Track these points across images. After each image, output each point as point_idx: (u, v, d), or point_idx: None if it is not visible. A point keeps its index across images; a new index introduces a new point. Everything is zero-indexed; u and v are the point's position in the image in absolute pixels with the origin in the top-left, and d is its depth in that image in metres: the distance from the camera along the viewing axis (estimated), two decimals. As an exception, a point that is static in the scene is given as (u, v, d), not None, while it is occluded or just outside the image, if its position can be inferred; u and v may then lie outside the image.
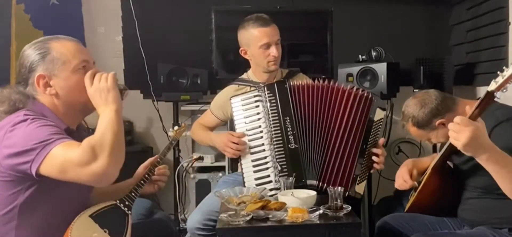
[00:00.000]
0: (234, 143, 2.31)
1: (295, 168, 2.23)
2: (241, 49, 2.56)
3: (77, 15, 3.68)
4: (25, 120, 1.55)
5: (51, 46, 1.67)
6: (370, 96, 2.33)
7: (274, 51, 2.46)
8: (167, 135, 3.48)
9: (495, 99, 1.63)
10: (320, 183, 2.25)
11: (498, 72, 1.57)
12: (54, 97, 1.68)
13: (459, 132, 1.60)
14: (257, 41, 2.46)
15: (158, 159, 2.04)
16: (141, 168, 2.05)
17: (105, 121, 1.58)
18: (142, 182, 1.96)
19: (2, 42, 3.25)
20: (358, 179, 2.28)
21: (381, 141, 2.34)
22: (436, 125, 2.06)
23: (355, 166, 2.27)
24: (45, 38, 1.72)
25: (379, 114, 2.34)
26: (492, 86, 1.58)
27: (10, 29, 3.29)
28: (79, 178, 1.49)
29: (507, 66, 1.57)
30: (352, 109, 2.28)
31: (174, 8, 3.66)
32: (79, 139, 1.74)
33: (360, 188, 2.30)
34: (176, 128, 2.25)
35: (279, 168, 2.23)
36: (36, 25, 3.42)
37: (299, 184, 2.18)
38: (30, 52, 1.67)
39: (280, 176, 2.19)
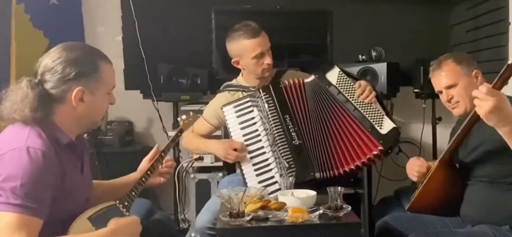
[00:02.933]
0: (235, 149, 2.32)
1: (302, 164, 2.23)
2: (233, 60, 2.53)
3: (77, 15, 3.69)
4: (28, 151, 1.50)
5: (100, 65, 1.67)
6: (313, 78, 2.37)
7: (268, 59, 2.45)
8: (167, 135, 3.52)
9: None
10: (324, 173, 2.23)
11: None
12: (78, 111, 1.65)
13: (484, 99, 1.62)
14: (250, 52, 2.44)
15: (162, 153, 2.04)
16: (145, 162, 2.05)
17: None
18: (147, 174, 1.97)
19: (2, 42, 3.25)
20: (376, 126, 2.21)
21: (356, 85, 2.31)
22: (473, 73, 2.07)
23: (362, 125, 2.23)
24: (90, 51, 1.70)
25: (334, 73, 2.35)
26: None
27: (10, 29, 3.29)
28: None
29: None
30: (315, 96, 2.33)
31: (174, 8, 3.66)
32: (80, 148, 1.75)
33: (387, 125, 2.21)
34: (184, 117, 2.24)
35: (287, 165, 2.23)
36: (36, 25, 3.42)
37: (308, 179, 2.20)
38: (75, 61, 1.62)
39: (288, 173, 2.19)
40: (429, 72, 2.20)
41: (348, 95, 2.30)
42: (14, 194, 1.46)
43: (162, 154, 2.04)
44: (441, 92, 2.13)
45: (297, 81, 2.39)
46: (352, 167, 2.23)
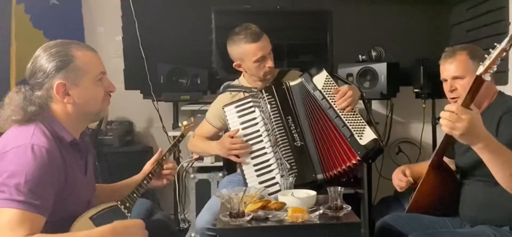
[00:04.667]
0: (236, 144, 2.32)
1: (303, 165, 2.24)
2: (234, 63, 2.51)
3: (77, 15, 3.69)
4: (32, 149, 1.52)
5: (73, 54, 1.65)
6: (300, 80, 2.38)
7: (269, 63, 2.44)
8: (167, 135, 3.52)
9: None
10: (327, 174, 2.25)
11: (485, 55, 1.62)
12: (69, 106, 1.66)
13: (457, 120, 1.62)
14: (251, 56, 2.41)
15: (163, 157, 2.05)
16: (148, 165, 2.06)
17: None
18: (148, 177, 1.97)
19: (2, 42, 3.25)
20: (356, 135, 2.22)
21: (335, 90, 2.31)
22: None
23: (340, 134, 2.24)
24: (63, 43, 1.69)
25: (321, 78, 2.36)
26: (480, 70, 1.62)
27: (10, 29, 3.29)
28: None
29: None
30: (303, 98, 2.34)
31: (174, 8, 3.66)
32: (84, 149, 1.75)
33: (367, 136, 2.21)
34: (185, 122, 2.24)
35: (288, 166, 2.24)
36: (36, 25, 3.42)
37: (309, 180, 2.21)
38: (50, 57, 1.63)
39: (289, 175, 2.19)
40: (441, 58, 2.15)
41: (332, 101, 2.30)
42: (18, 191, 1.47)
43: (163, 157, 2.05)
44: (445, 80, 2.11)
45: (287, 84, 2.39)
46: (335, 172, 2.24)
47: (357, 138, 2.20)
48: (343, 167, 2.21)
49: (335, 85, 2.34)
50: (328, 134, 2.28)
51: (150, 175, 1.99)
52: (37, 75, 1.64)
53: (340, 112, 2.27)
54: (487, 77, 1.62)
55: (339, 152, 2.24)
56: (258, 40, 2.40)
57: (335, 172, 2.23)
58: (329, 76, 2.36)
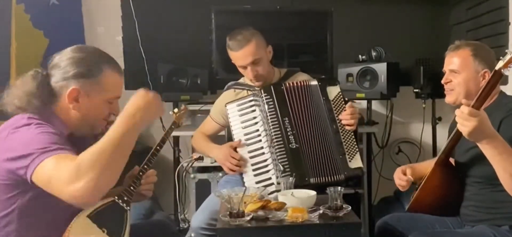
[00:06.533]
0: (234, 158, 2.34)
1: (297, 167, 2.25)
2: (232, 60, 2.56)
3: (77, 15, 3.68)
4: (28, 124, 1.55)
5: (104, 70, 1.67)
6: (314, 83, 2.39)
7: (249, 73, 2.45)
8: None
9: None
10: (318, 179, 2.28)
11: (506, 50, 1.64)
12: (73, 111, 1.67)
13: (467, 120, 1.69)
14: (235, 62, 2.49)
15: (158, 147, 2.04)
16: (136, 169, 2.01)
17: (112, 135, 1.51)
18: (144, 168, 1.95)
19: (2, 42, 3.24)
20: (347, 156, 2.30)
21: (348, 105, 2.36)
22: (482, 72, 2.04)
23: (334, 149, 2.30)
24: (98, 53, 1.70)
25: (334, 91, 2.38)
26: (499, 64, 1.65)
27: (10, 29, 3.28)
28: (60, 195, 1.43)
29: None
30: (311, 101, 2.36)
31: (174, 8, 3.66)
32: (83, 143, 1.75)
33: (356, 162, 2.31)
34: (176, 110, 2.24)
35: (282, 168, 2.24)
36: (36, 25, 3.42)
37: (303, 183, 2.21)
38: (78, 61, 1.64)
39: (282, 176, 2.19)
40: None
41: (336, 117, 2.35)
42: (42, 149, 1.47)
43: (158, 148, 2.04)
44: (445, 71, 2.13)
45: (300, 83, 2.39)
46: (326, 180, 2.28)
47: (348, 160, 2.30)
48: (329, 179, 2.28)
49: (342, 103, 2.38)
50: (324, 143, 2.32)
51: (145, 167, 1.97)
52: (59, 70, 1.65)
53: (340, 129, 2.32)
54: (507, 72, 1.64)
55: (329, 164, 2.30)
56: (239, 49, 2.42)
57: (326, 179, 2.28)
58: (341, 94, 2.40)
